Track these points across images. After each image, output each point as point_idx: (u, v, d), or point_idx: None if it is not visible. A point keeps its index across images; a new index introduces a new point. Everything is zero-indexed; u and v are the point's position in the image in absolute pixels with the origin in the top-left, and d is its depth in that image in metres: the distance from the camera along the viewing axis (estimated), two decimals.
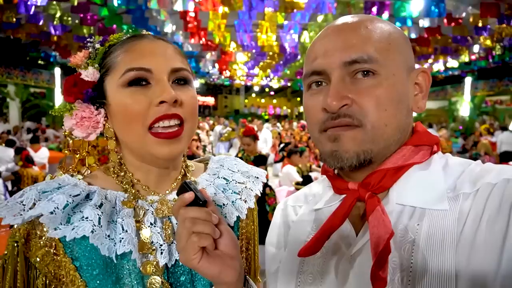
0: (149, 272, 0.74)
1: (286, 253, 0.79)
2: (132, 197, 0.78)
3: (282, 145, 11.43)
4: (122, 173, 0.81)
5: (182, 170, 0.87)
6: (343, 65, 0.65)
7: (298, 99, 28.12)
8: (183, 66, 0.79)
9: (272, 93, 27.97)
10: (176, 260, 0.77)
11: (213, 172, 0.91)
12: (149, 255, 0.75)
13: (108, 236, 0.71)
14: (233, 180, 0.91)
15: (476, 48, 10.51)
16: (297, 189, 5.38)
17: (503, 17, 7.36)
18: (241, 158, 4.75)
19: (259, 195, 0.93)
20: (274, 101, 29.68)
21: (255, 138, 4.81)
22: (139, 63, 0.74)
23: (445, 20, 7.78)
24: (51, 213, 0.67)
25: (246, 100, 29.20)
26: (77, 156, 0.83)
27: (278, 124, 15.26)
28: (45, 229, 0.70)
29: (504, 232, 0.53)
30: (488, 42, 8.93)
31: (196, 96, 0.82)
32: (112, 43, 0.80)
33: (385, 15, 7.10)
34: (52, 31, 8.56)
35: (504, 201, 0.55)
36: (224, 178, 0.90)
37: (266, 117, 24.89)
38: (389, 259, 0.59)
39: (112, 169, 0.82)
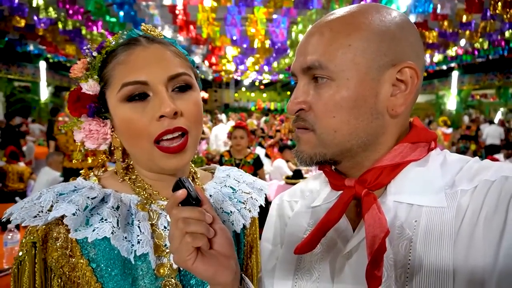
0: (163, 274, 0.75)
1: (283, 250, 0.79)
2: (145, 201, 0.79)
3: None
4: (134, 177, 0.82)
5: (191, 176, 0.88)
6: (303, 70, 0.66)
7: (288, 93, 28.11)
8: (181, 70, 0.75)
9: (262, 87, 27.91)
10: None
11: (220, 181, 0.93)
12: (163, 257, 0.76)
13: (125, 238, 0.72)
14: (239, 189, 0.93)
15: (462, 42, 10.65)
16: (287, 183, 5.36)
17: (487, 13, 7.48)
18: (230, 161, 4.17)
19: (263, 206, 0.95)
20: (264, 95, 29.64)
21: (248, 132, 4.30)
22: (134, 76, 0.72)
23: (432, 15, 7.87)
24: (73, 214, 0.67)
25: (236, 94, 29.07)
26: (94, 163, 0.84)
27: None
28: (61, 231, 0.70)
29: (501, 228, 0.53)
30: (473, 37, 9.07)
31: (200, 99, 0.80)
32: (110, 49, 0.77)
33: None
34: (37, 24, 8.37)
35: (502, 198, 0.55)
36: (230, 187, 0.92)
37: (253, 108, 24.84)
38: (386, 256, 0.59)
39: (124, 171, 0.82)
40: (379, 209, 0.61)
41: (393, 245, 0.61)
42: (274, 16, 8.75)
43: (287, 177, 5.38)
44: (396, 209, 0.63)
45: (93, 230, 0.69)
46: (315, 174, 0.87)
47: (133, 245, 0.72)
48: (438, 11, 7.45)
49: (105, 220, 0.70)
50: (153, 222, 0.77)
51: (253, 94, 29.69)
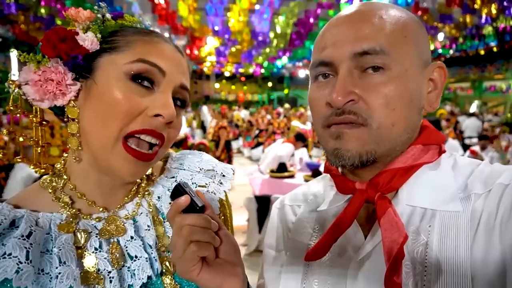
0: None
1: (288, 257, 0.75)
2: (71, 219, 0.66)
3: (257, 131, 11.66)
4: (61, 186, 0.69)
5: (139, 179, 0.76)
6: (353, 57, 0.60)
7: (270, 84, 28.11)
8: (188, 86, 0.71)
9: (243, 78, 27.76)
10: (128, 285, 0.67)
11: (171, 175, 0.81)
12: (96, 285, 0.64)
13: (42, 270, 0.60)
14: (193, 183, 0.79)
15: (440, 36, 10.88)
16: (272, 177, 5.29)
17: (466, 7, 7.65)
18: None
19: (223, 197, 0.82)
20: (245, 87, 29.49)
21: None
22: (156, 59, 0.65)
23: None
24: None
25: (217, 86, 28.80)
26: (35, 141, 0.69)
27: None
28: None
29: None
30: (453, 31, 9.27)
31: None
32: (126, 25, 0.70)
33: (356, 1, 7.14)
34: (6, 9, 7.93)
35: None
36: None
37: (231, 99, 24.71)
38: (402, 262, 0.57)
39: (50, 179, 0.69)
40: (395, 213, 0.59)
41: (409, 251, 0.59)
42: (257, 7, 8.63)
43: (272, 171, 5.32)
44: (409, 214, 0.62)
45: None
46: (318, 177, 0.83)
47: (51, 279, 0.60)
48: (420, 4, 7.55)
49: (9, 255, 0.56)
50: (81, 244, 0.65)
51: (233, 86, 29.50)
